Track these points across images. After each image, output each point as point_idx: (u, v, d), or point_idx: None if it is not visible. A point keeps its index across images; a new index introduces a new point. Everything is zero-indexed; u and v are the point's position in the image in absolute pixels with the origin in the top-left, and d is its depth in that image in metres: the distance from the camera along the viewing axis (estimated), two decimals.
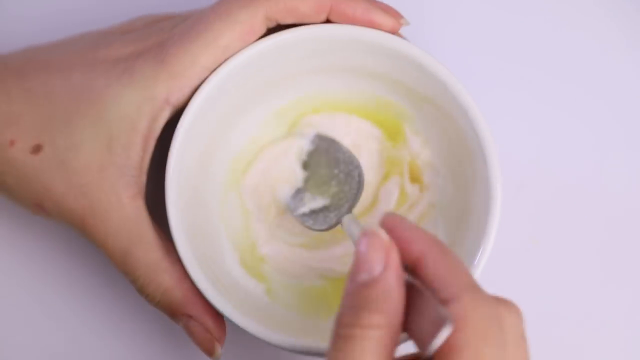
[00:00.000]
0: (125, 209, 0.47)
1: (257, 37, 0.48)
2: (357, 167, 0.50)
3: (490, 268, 0.48)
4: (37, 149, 0.48)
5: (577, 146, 0.56)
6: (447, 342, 0.38)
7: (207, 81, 0.47)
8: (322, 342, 0.46)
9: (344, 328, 0.39)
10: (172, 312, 0.48)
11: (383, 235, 0.39)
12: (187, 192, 0.48)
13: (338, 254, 0.52)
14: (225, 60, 0.47)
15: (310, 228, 0.50)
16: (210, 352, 0.48)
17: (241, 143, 0.51)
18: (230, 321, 0.47)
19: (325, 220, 0.50)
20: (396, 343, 0.39)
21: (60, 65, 0.49)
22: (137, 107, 0.47)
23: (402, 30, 0.49)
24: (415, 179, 0.51)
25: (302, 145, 0.51)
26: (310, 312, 0.50)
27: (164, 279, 0.47)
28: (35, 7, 0.56)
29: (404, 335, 0.40)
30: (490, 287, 0.47)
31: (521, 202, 0.55)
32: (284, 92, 0.51)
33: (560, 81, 0.56)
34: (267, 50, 0.48)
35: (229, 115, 0.50)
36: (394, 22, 0.48)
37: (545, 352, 0.54)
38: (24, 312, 0.54)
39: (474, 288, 0.39)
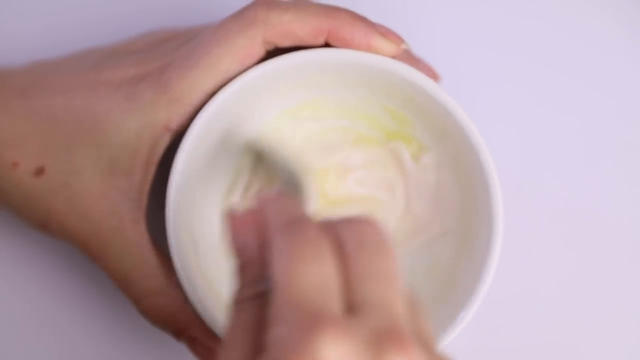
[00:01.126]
0: (126, 234, 0.48)
1: (256, 60, 0.48)
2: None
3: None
4: (40, 171, 0.48)
5: (577, 146, 0.56)
6: None
7: (206, 107, 0.47)
8: None
9: None
10: (175, 334, 0.49)
11: None
12: (187, 220, 0.49)
13: None
14: (225, 84, 0.48)
15: None
16: None
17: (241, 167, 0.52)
18: None
19: None
20: None
21: (64, 87, 0.49)
22: (137, 134, 0.48)
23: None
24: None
25: None
26: None
27: (166, 304, 0.48)
28: (37, 22, 0.56)
29: None
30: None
31: (517, 207, 0.55)
32: (284, 104, 0.51)
33: (558, 79, 0.56)
34: (265, 74, 0.48)
35: (228, 139, 0.50)
36: (393, 47, 0.48)
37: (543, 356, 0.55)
38: (22, 323, 0.55)
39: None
